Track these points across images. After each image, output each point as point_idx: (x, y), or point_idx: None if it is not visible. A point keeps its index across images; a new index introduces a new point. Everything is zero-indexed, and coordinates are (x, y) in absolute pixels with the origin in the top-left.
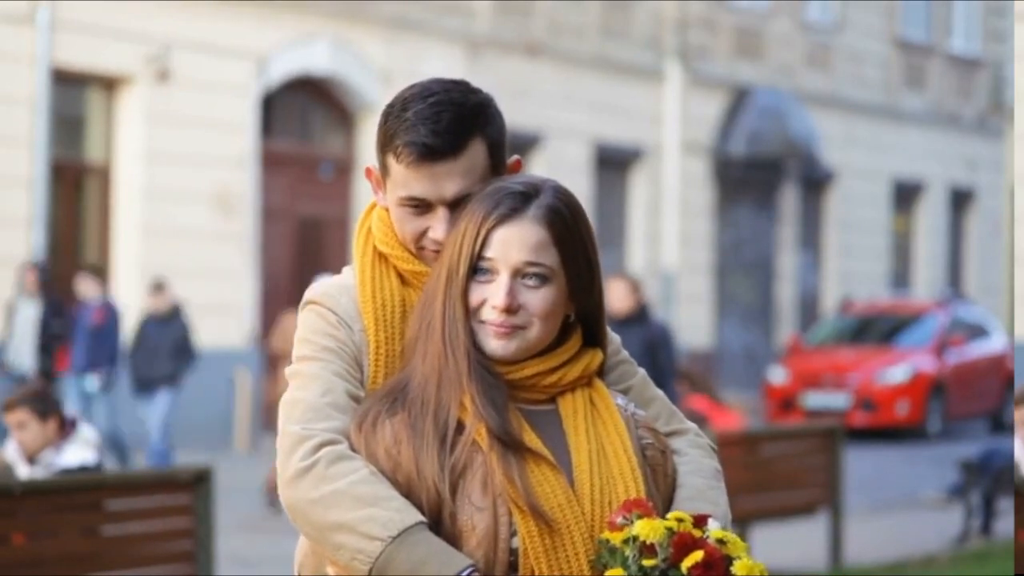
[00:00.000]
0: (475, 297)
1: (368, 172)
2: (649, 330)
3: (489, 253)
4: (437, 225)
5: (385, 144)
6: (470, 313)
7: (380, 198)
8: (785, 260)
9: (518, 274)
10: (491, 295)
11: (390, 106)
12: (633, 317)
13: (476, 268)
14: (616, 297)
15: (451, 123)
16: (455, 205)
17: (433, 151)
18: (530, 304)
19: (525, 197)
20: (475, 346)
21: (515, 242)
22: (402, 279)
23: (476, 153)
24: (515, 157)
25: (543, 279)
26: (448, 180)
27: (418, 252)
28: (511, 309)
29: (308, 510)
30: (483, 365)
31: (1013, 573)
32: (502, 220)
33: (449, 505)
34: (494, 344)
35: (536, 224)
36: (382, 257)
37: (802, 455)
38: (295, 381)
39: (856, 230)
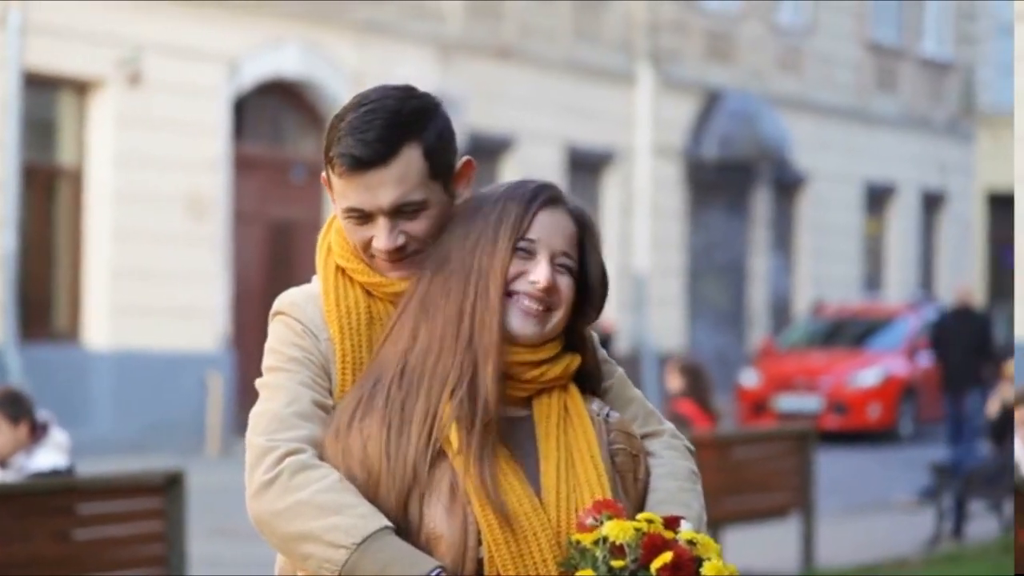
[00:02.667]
0: (513, 269)
1: (323, 180)
2: None
3: (533, 234)
4: (379, 234)
5: (326, 154)
6: (506, 286)
7: (334, 205)
8: (757, 263)
9: (554, 259)
10: (533, 272)
11: (333, 117)
12: None
13: (518, 245)
14: None
15: (380, 131)
16: (396, 213)
17: (361, 161)
18: (561, 288)
19: (557, 191)
20: (500, 322)
21: (558, 228)
22: (367, 291)
23: (409, 160)
24: (466, 158)
25: (569, 269)
26: (381, 189)
27: (370, 261)
28: (551, 288)
29: (273, 522)
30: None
31: (1013, 573)
32: (547, 204)
33: (423, 484)
34: (523, 323)
35: (570, 218)
36: (343, 269)
37: (774, 458)
38: (262, 392)
39: (828, 233)
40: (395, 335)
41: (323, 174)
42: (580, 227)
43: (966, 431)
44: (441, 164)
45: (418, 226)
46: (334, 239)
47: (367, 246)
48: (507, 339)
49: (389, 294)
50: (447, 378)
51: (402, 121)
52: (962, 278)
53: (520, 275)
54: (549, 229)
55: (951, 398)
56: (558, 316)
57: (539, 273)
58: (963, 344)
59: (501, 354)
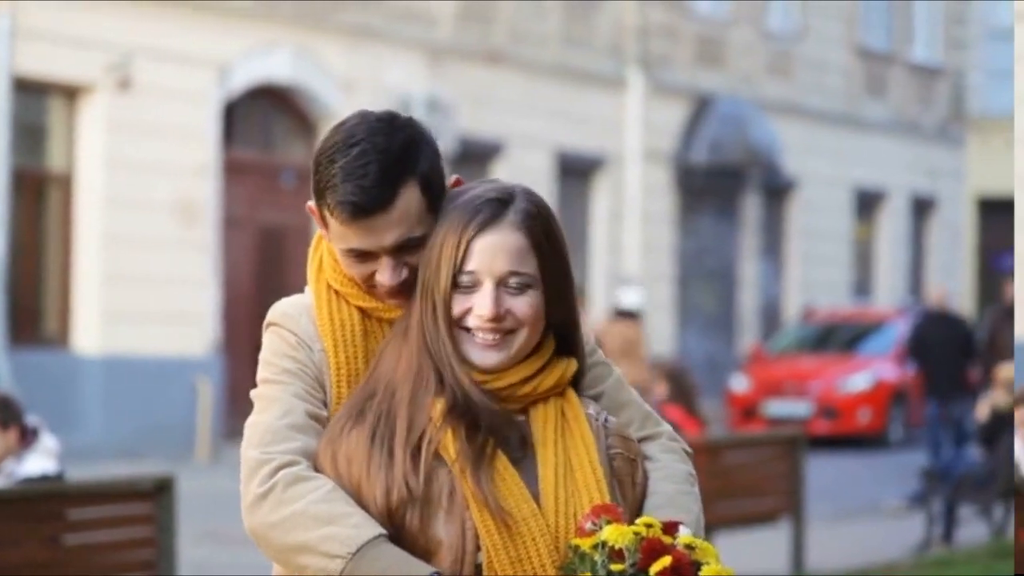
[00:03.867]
0: (458, 307)
1: (311, 210)
2: None
3: (471, 265)
4: (383, 271)
5: (319, 196)
6: (453, 323)
7: (325, 235)
8: (747, 268)
9: (501, 283)
10: (476, 304)
11: (319, 154)
12: None
13: (457, 281)
14: None
15: (377, 176)
16: (398, 250)
17: (364, 209)
18: (516, 309)
19: (501, 204)
20: (459, 355)
21: (497, 251)
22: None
23: (409, 198)
24: (454, 177)
25: (525, 286)
26: (385, 231)
27: (369, 291)
28: (498, 317)
29: (269, 534)
30: (467, 374)
31: (1013, 573)
32: (482, 228)
33: (419, 499)
34: (482, 355)
35: (515, 231)
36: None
37: (764, 463)
38: (256, 404)
39: (818, 238)
40: (388, 354)
41: (310, 204)
42: (531, 235)
43: (954, 436)
44: (436, 195)
45: (419, 259)
46: (326, 259)
47: (367, 279)
48: (477, 371)
49: (385, 320)
50: (427, 405)
51: (396, 160)
52: (942, 283)
53: (467, 311)
54: (488, 254)
55: (934, 404)
56: (522, 336)
57: (482, 306)
58: (944, 349)
59: (468, 384)
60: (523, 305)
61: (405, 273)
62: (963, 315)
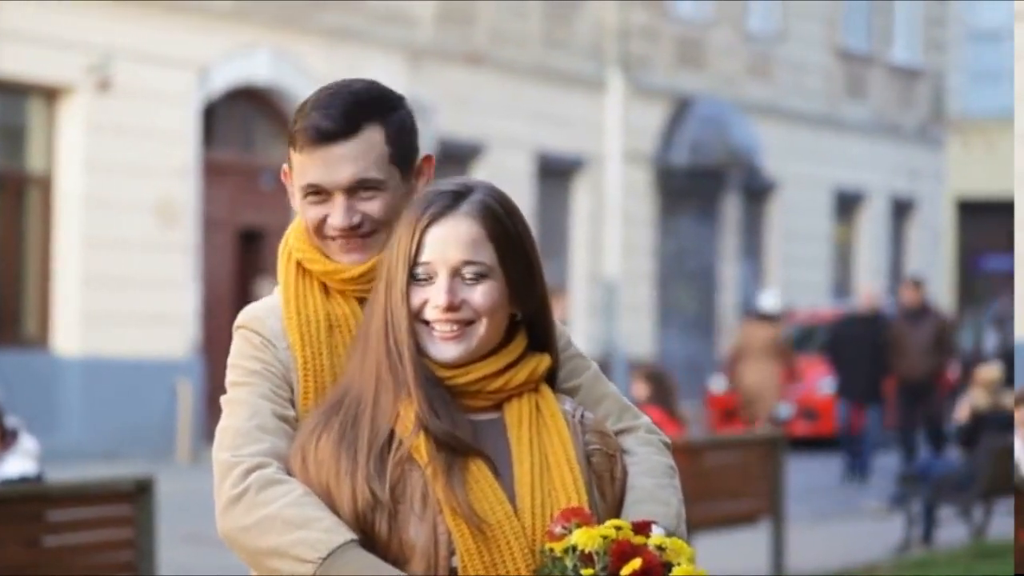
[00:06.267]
0: (416, 299)
1: (284, 174)
2: None
3: (425, 256)
4: (335, 212)
5: (289, 138)
6: (412, 317)
7: (296, 203)
8: (727, 269)
9: (456, 273)
10: (432, 295)
11: (299, 106)
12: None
13: (414, 273)
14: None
15: (343, 106)
16: (353, 191)
17: (324, 133)
18: (472, 300)
19: (457, 196)
20: (419, 351)
21: (450, 240)
22: (326, 290)
23: (371, 137)
24: (425, 154)
25: (481, 275)
26: (342, 163)
27: (323, 243)
28: (453, 307)
29: (242, 537)
30: (428, 370)
31: (1013, 573)
32: (435, 219)
33: (388, 507)
34: (441, 347)
35: (469, 220)
36: (304, 271)
37: (744, 464)
38: (225, 408)
39: (798, 239)
40: (353, 358)
41: (283, 167)
42: (486, 224)
43: (866, 442)
44: (402, 152)
45: (373, 206)
46: (293, 234)
47: (321, 226)
48: (441, 366)
49: (344, 281)
50: (389, 408)
51: (366, 101)
52: (872, 283)
53: (425, 303)
54: (442, 244)
55: (848, 406)
56: (482, 328)
57: (437, 296)
58: (858, 351)
59: (425, 386)
60: (479, 295)
61: (357, 218)
62: (888, 317)
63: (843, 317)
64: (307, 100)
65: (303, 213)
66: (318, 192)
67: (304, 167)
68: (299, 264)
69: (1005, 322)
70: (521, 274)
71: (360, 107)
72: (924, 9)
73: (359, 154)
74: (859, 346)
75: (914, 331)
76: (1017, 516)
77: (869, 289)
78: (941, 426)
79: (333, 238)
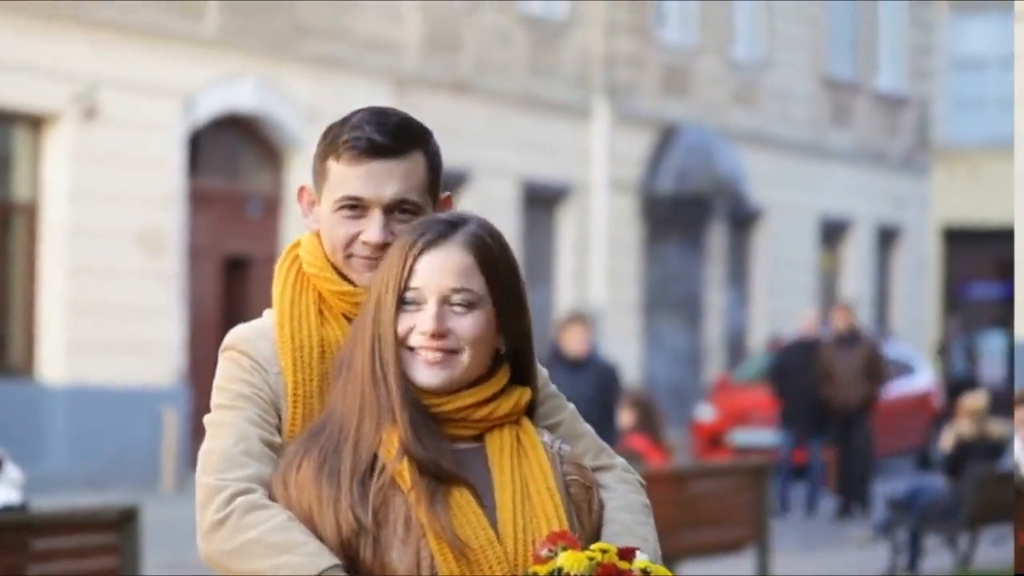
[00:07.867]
0: (403, 325)
1: (301, 192)
2: (598, 371)
3: (415, 282)
4: (371, 228)
5: (326, 150)
6: (399, 342)
7: (310, 222)
8: (713, 298)
9: (445, 301)
10: (419, 322)
11: (331, 126)
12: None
13: (403, 298)
14: (576, 340)
15: (398, 126)
16: (391, 210)
17: (378, 147)
18: (459, 329)
19: (451, 225)
20: (404, 377)
21: (441, 268)
22: (321, 314)
23: (418, 162)
24: (446, 193)
25: (470, 304)
26: (388, 179)
27: (346, 261)
28: (439, 334)
29: (225, 562)
30: (413, 396)
31: (1013, 573)
32: (427, 247)
33: (372, 534)
34: (425, 373)
35: (461, 250)
36: (301, 292)
37: (730, 492)
38: (210, 431)
39: (783, 267)
40: (336, 387)
41: (300, 187)
42: (478, 254)
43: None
44: (435, 183)
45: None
46: (305, 250)
47: (350, 242)
48: (426, 394)
49: (355, 305)
50: (372, 433)
51: (415, 126)
52: (809, 310)
53: (411, 329)
54: (433, 271)
55: (791, 434)
56: (467, 356)
57: (425, 322)
58: (802, 379)
59: (410, 411)
60: (467, 324)
61: (391, 239)
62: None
63: (787, 346)
64: (351, 115)
65: (331, 228)
66: (354, 207)
67: (345, 179)
68: (297, 284)
69: (971, 351)
70: (508, 307)
71: (411, 130)
72: (909, 37)
73: (405, 174)
74: (798, 375)
75: (844, 357)
76: (1017, 516)
77: (807, 315)
78: (869, 457)
79: (360, 256)
